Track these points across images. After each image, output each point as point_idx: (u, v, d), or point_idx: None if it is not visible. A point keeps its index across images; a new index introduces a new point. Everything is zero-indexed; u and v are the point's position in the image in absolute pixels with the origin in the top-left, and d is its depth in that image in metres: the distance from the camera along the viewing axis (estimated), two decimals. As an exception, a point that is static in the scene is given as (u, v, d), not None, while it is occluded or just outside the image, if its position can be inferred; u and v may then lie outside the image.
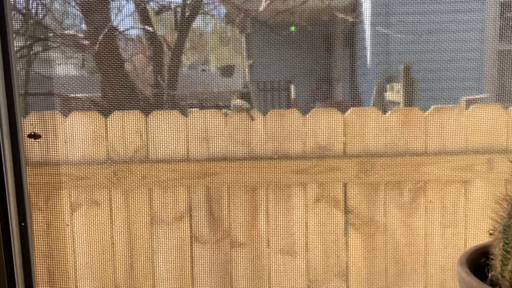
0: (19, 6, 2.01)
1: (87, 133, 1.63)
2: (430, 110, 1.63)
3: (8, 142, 1.23)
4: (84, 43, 2.04)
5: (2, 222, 1.20)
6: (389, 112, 1.66)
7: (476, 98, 1.97)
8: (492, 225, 0.63)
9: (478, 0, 2.06)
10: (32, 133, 1.50)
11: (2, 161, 1.20)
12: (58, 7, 2.17)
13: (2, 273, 1.19)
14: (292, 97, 2.33)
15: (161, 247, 1.67)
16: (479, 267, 0.68)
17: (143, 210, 1.65)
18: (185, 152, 1.64)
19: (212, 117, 1.65)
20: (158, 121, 1.64)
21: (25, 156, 1.26)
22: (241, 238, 1.67)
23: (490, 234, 0.64)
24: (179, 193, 1.65)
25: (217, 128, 1.65)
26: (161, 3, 2.22)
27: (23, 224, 1.25)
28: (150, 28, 2.19)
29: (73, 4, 2.14)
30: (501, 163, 1.60)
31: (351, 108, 1.65)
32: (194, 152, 1.65)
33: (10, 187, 1.23)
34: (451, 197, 1.64)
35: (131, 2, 2.18)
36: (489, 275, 0.66)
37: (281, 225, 1.67)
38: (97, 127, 1.63)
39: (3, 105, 1.21)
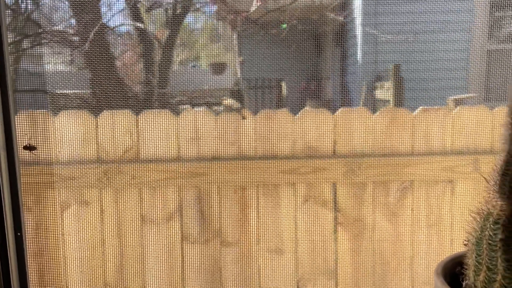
0: (9, 1, 1.99)
1: (76, 132, 1.63)
2: (417, 111, 1.65)
3: (4, 151, 1.22)
4: (74, 39, 2.04)
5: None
6: (378, 112, 1.68)
7: (463, 98, 1.99)
8: (466, 237, 0.67)
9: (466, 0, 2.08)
10: (28, 145, 1.50)
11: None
12: (47, 2, 2.15)
13: (-1, 284, 1.19)
14: (283, 95, 2.34)
15: (151, 247, 1.68)
16: (454, 276, 0.72)
17: (133, 210, 1.66)
18: (176, 152, 1.65)
19: (203, 117, 1.66)
20: (149, 120, 1.65)
21: (20, 168, 1.26)
22: (231, 237, 1.69)
23: (465, 245, 0.68)
24: (170, 193, 1.66)
25: (207, 128, 1.66)
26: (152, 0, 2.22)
27: (19, 234, 1.25)
28: (141, 25, 2.18)
29: (63, 0, 2.12)
30: (486, 164, 1.63)
31: (341, 108, 1.67)
32: (184, 152, 1.65)
33: (6, 197, 1.23)
34: (437, 197, 1.66)
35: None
36: (464, 284, 0.69)
37: (271, 224, 1.69)
38: (87, 127, 1.63)
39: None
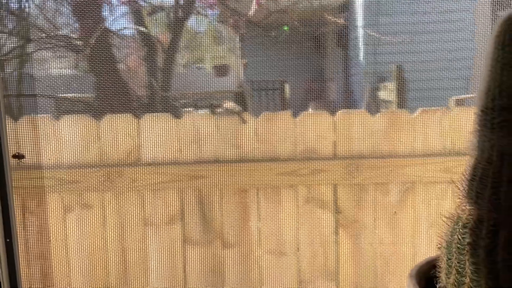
0: (12, 6, 2.03)
1: (78, 136, 1.65)
2: (417, 112, 1.65)
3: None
4: (77, 44, 2.06)
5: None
6: (378, 114, 1.68)
7: (466, 98, 1.98)
8: (439, 240, 0.67)
9: (468, -1, 2.07)
10: (16, 153, 1.52)
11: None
12: (50, 6, 2.17)
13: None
14: (286, 97, 2.35)
15: (153, 249, 1.70)
16: (430, 279, 0.73)
17: (135, 213, 1.68)
18: (177, 155, 1.67)
19: (204, 120, 1.67)
20: (150, 124, 1.67)
21: (10, 174, 1.27)
22: (233, 239, 1.70)
23: (439, 248, 0.68)
24: (171, 195, 1.68)
25: (209, 131, 1.67)
26: (154, 3, 2.23)
27: (8, 240, 1.26)
28: (144, 29, 2.20)
29: (65, 4, 2.15)
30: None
31: (341, 110, 1.67)
32: (186, 155, 1.67)
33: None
34: (438, 197, 1.66)
35: (125, 4, 2.19)
36: (437, 286, 0.70)
37: (272, 226, 1.70)
38: (89, 131, 1.65)
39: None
